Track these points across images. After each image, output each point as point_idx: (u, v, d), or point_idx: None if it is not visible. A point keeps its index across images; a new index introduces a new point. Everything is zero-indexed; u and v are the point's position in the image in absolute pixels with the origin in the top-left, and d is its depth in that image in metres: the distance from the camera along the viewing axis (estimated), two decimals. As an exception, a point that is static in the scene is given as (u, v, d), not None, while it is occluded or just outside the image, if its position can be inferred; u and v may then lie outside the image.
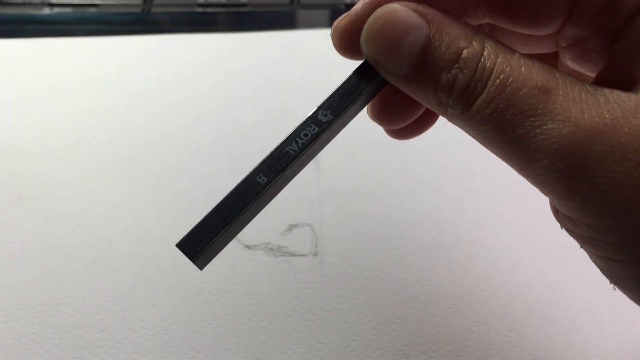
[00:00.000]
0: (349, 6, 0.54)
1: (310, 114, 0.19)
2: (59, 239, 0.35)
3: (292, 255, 0.34)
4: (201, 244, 0.18)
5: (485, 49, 0.17)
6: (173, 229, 0.36)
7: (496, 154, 0.17)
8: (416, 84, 0.18)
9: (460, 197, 0.38)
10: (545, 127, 0.15)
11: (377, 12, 0.18)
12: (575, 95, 0.16)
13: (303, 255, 0.34)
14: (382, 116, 0.23)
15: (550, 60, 0.22)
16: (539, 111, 0.15)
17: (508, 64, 0.16)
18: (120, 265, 0.34)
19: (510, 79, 0.16)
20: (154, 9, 0.52)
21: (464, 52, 0.17)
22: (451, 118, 0.18)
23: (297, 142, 0.19)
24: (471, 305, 0.32)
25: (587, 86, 0.16)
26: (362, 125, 0.42)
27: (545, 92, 0.16)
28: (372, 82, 0.20)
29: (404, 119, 0.23)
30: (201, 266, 0.19)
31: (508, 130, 0.16)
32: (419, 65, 0.17)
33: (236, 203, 0.18)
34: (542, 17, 0.19)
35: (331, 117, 0.19)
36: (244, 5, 0.52)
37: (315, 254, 0.34)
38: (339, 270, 0.34)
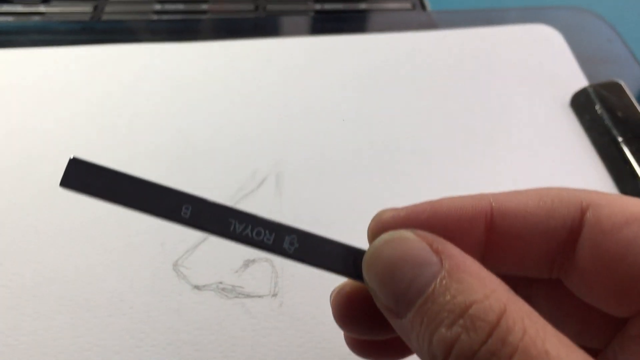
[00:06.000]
0: (318, 12, 0.50)
1: (278, 230, 0.17)
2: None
3: (248, 296, 0.30)
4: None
5: (507, 311, 0.12)
6: (111, 268, 0.31)
7: None
8: (410, 328, 0.14)
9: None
10: None
11: (388, 237, 0.15)
12: None
13: (260, 296, 0.30)
14: (348, 321, 0.20)
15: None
16: None
17: (535, 343, 0.11)
18: (46, 311, 0.29)
19: None
20: (104, 17, 0.47)
21: (473, 306, 0.12)
22: None
23: (242, 230, 0.17)
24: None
25: None
26: (330, 148, 0.38)
27: None
28: (352, 276, 0.17)
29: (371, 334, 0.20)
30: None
31: None
32: (419, 310, 0.13)
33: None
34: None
35: (292, 252, 0.17)
36: (204, 12, 0.47)
37: (275, 295, 0.30)
38: (301, 313, 0.29)
